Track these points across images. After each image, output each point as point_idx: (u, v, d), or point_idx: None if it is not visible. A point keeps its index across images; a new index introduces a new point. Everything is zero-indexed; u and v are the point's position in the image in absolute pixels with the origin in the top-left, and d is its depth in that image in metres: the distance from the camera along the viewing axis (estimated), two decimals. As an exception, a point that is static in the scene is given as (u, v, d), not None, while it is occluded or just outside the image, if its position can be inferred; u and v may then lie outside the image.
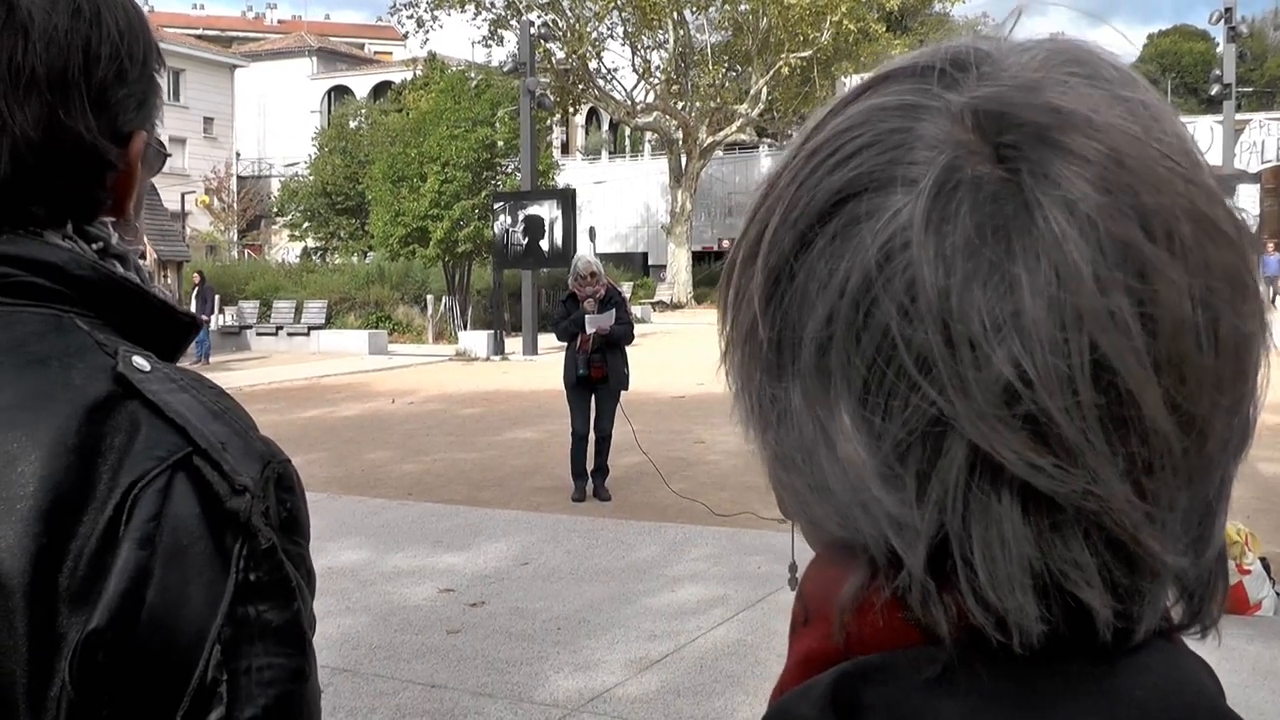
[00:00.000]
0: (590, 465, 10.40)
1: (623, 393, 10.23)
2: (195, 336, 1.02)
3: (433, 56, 45.26)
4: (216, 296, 30.86)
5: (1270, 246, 34.05)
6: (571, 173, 50.67)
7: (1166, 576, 0.55)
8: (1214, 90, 33.13)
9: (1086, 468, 0.51)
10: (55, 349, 0.86)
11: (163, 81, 1.01)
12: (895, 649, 0.56)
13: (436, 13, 43.75)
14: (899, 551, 0.54)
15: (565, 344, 10.31)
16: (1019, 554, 0.52)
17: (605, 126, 69.47)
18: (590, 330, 9.92)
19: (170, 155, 1.10)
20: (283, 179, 57.01)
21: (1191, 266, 0.52)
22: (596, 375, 10.09)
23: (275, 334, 32.95)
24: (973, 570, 0.52)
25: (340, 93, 68.98)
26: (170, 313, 0.97)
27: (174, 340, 0.97)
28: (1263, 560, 6.70)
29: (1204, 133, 36.68)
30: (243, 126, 66.28)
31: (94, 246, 0.94)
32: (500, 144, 33.17)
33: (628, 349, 10.38)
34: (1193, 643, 0.60)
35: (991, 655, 0.54)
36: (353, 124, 53.26)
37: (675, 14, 44.19)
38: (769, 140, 55.18)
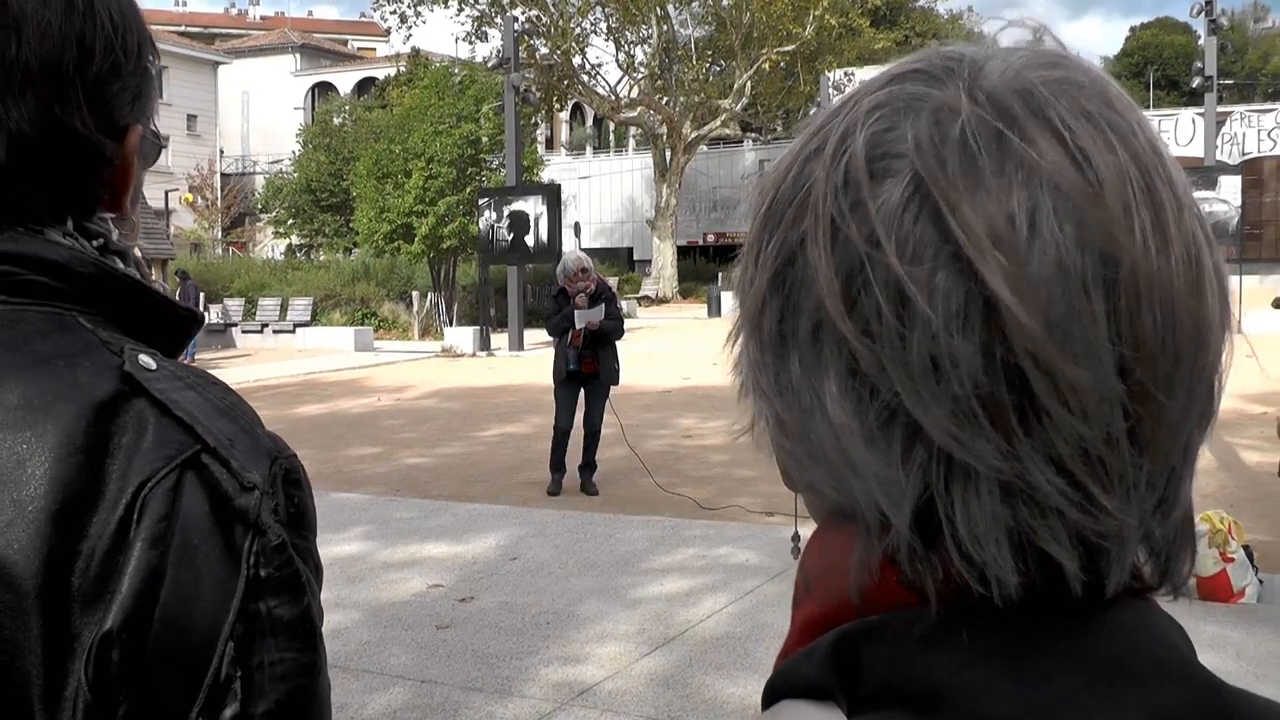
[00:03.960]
0: (579, 460, 10.43)
1: (612, 387, 10.26)
2: (196, 332, 1.01)
3: (416, 52, 45.23)
4: (201, 294, 30.77)
5: None
6: (556, 168, 50.65)
7: (1130, 535, 0.58)
8: (1195, 83, 33.22)
9: (1007, 442, 0.55)
10: (61, 348, 0.85)
11: (156, 73, 1.00)
12: (893, 610, 0.59)
13: (419, 8, 43.62)
14: (886, 511, 0.58)
15: (555, 339, 10.34)
16: (993, 512, 0.56)
17: (590, 122, 69.35)
18: (580, 325, 9.95)
19: (165, 145, 1.10)
20: (267, 176, 56.80)
21: (1148, 256, 0.55)
22: (588, 370, 10.12)
23: (261, 331, 32.89)
24: (955, 527, 0.56)
25: (324, 89, 68.74)
26: (171, 308, 0.96)
27: (175, 336, 0.96)
28: (1246, 549, 6.75)
29: (1185, 125, 36.82)
30: (226, 123, 66.03)
31: (94, 243, 0.93)
32: (485, 140, 33.17)
33: (618, 344, 10.42)
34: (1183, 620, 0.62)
35: (978, 613, 0.57)
36: (337, 120, 53.12)
37: (658, 9, 44.14)
38: (753, 135, 55.15)
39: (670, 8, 45.17)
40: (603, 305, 10.04)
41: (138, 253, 1.02)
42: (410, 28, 44.04)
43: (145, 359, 0.86)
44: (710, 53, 47.54)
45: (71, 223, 0.92)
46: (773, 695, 0.63)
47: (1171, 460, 0.59)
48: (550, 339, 10.52)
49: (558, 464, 10.46)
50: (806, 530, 0.70)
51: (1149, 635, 0.60)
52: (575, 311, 9.92)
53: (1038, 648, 0.58)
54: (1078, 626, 0.58)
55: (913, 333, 0.55)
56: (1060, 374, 0.54)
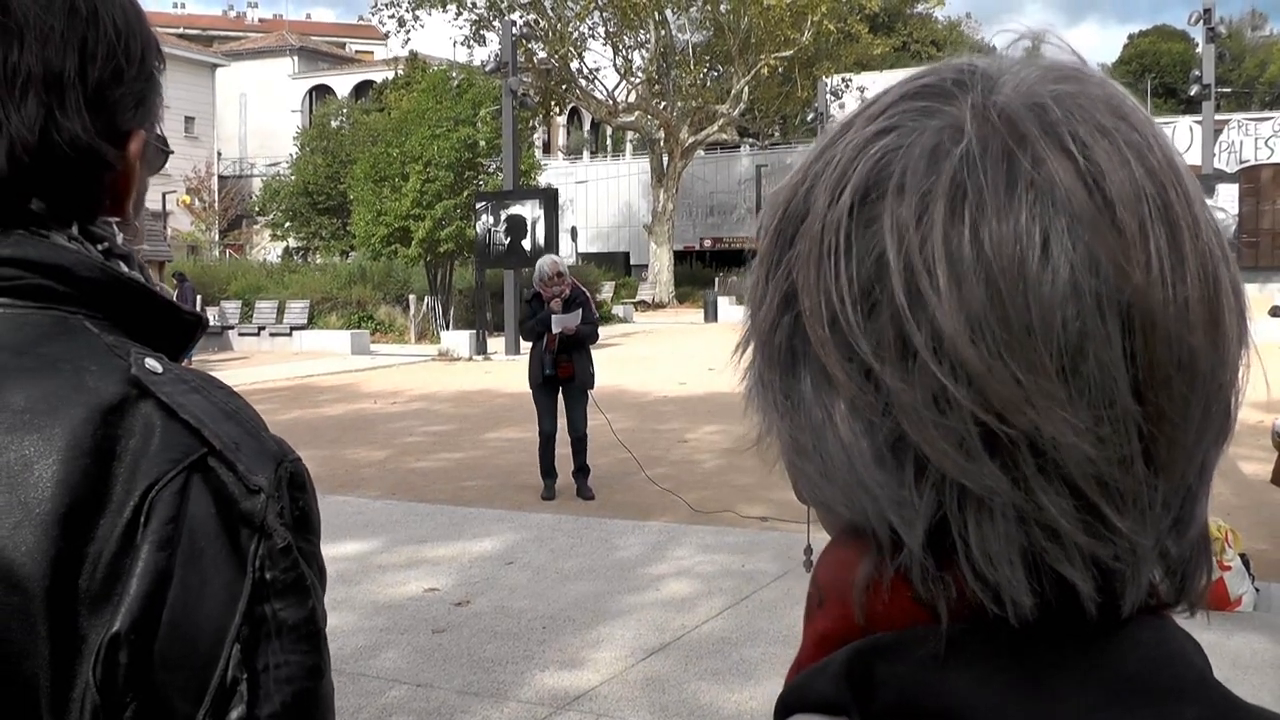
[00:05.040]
0: (571, 466, 10.42)
1: (590, 391, 10.28)
2: (200, 336, 1.02)
3: (414, 56, 45.22)
4: (198, 296, 30.74)
5: None
6: (553, 172, 50.68)
7: (1145, 555, 0.57)
8: (1193, 91, 33.31)
9: (1016, 469, 0.55)
10: (67, 352, 0.85)
11: (163, 79, 1.00)
12: (908, 627, 0.59)
13: (418, 12, 43.63)
14: (898, 530, 0.58)
15: (532, 344, 10.35)
16: (1006, 533, 0.55)
17: (587, 126, 69.40)
18: (556, 330, 9.98)
19: (173, 153, 1.10)
20: (264, 178, 56.82)
21: (1163, 275, 0.55)
22: (564, 374, 10.16)
23: (257, 334, 32.85)
24: (969, 547, 0.56)
25: (322, 92, 68.76)
26: (175, 312, 0.96)
27: (179, 340, 0.97)
28: (1243, 557, 6.75)
29: (1183, 133, 36.86)
30: (224, 126, 66.03)
31: (99, 247, 0.93)
32: (482, 143, 33.13)
33: (592, 348, 10.45)
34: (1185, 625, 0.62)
35: (994, 632, 0.57)
36: (334, 123, 53.15)
37: (656, 14, 44.16)
38: (750, 140, 55.19)
39: (668, 13, 45.20)
40: (579, 310, 10.06)
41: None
42: (408, 31, 44.06)
43: (151, 362, 0.86)
44: (708, 58, 47.57)
45: (76, 227, 0.92)
46: (785, 710, 0.63)
47: (1187, 479, 0.58)
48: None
49: (547, 469, 10.49)
50: (818, 542, 0.69)
51: (1166, 653, 0.59)
52: (552, 316, 9.95)
53: (1054, 666, 0.57)
54: (1094, 645, 0.58)
55: (914, 369, 0.55)
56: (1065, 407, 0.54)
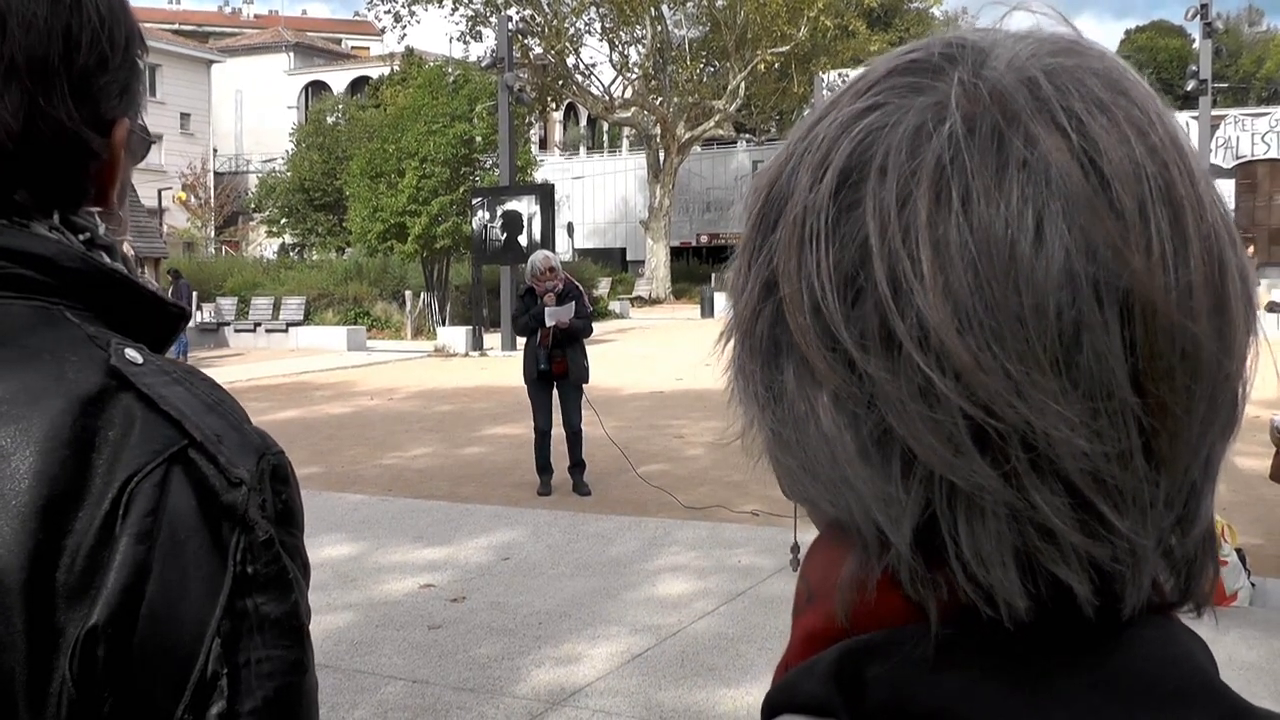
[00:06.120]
0: (567, 461, 10.41)
1: (585, 386, 10.26)
2: (183, 328, 1.01)
3: (410, 52, 45.12)
4: (194, 293, 30.70)
5: None
6: (550, 168, 50.67)
7: (1146, 555, 0.54)
8: (1190, 86, 33.29)
9: (1007, 464, 0.52)
10: (47, 342, 0.84)
11: (145, 68, 0.99)
12: (898, 626, 0.56)
13: (414, 8, 43.62)
14: (884, 529, 0.55)
15: (525, 339, 10.34)
16: (998, 532, 0.52)
17: (583, 122, 69.39)
18: (550, 324, 9.95)
19: (155, 141, 1.09)
20: (260, 175, 56.73)
21: (1165, 258, 0.52)
22: (558, 370, 10.13)
23: (253, 331, 32.83)
24: (959, 546, 0.53)
25: (318, 88, 68.66)
26: (159, 304, 0.95)
27: (163, 332, 0.96)
28: (1239, 552, 6.76)
29: (1179, 128, 36.85)
30: (219, 122, 65.93)
31: (80, 237, 0.92)
32: (478, 139, 33.11)
33: (586, 343, 10.42)
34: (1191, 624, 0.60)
35: (989, 633, 0.54)
36: (330, 119, 53.06)
37: (652, 9, 44.15)
38: (747, 136, 55.20)
39: (664, 8, 45.19)
40: (572, 304, 10.04)
41: (127, 249, 1.00)
42: (404, 27, 44.07)
43: (132, 353, 0.85)
44: (704, 53, 47.58)
45: (58, 216, 0.91)
46: (772, 711, 0.61)
47: (1191, 475, 0.55)
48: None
49: (544, 465, 10.48)
50: (805, 539, 0.68)
51: (1171, 655, 0.56)
52: (545, 310, 9.92)
53: (1052, 669, 0.54)
54: (1095, 647, 0.55)
55: (899, 360, 0.52)
56: (1058, 400, 0.51)
